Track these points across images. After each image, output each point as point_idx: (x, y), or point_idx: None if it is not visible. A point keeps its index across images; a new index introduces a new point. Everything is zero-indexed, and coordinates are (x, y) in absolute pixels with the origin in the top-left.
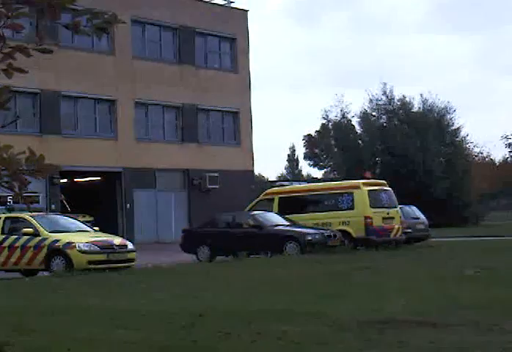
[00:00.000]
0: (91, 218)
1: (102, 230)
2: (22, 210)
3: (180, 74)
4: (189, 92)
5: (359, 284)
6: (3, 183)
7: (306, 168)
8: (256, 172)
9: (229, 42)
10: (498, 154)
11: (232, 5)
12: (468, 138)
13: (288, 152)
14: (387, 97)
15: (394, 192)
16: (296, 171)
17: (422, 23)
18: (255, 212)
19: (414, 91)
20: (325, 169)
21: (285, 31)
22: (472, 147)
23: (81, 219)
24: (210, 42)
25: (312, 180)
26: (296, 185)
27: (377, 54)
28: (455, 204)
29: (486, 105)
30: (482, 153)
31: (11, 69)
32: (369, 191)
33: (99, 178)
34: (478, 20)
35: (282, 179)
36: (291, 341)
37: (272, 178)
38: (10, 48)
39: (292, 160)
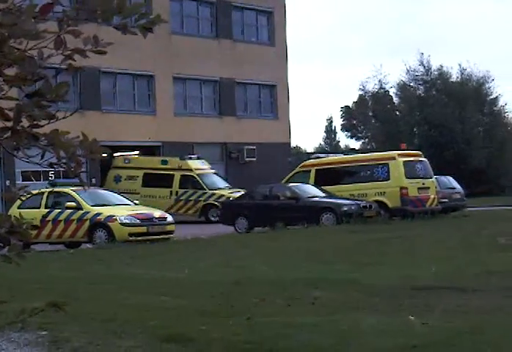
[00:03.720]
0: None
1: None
2: (64, 185)
3: (217, 48)
4: (227, 66)
5: (393, 253)
6: (62, 165)
7: (343, 139)
8: (294, 144)
9: (266, 16)
10: None
11: None
12: (507, 107)
13: (326, 124)
14: (424, 67)
15: (431, 162)
16: (334, 143)
17: None
18: (292, 184)
19: (453, 60)
20: (362, 140)
21: (324, 2)
22: (511, 115)
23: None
24: (247, 15)
25: (349, 151)
26: (332, 157)
27: (418, 24)
28: (494, 174)
29: None
30: None
31: (71, 68)
32: (404, 161)
33: (138, 152)
34: None
35: (319, 150)
36: (324, 306)
37: (310, 150)
38: (70, 50)
39: (330, 131)
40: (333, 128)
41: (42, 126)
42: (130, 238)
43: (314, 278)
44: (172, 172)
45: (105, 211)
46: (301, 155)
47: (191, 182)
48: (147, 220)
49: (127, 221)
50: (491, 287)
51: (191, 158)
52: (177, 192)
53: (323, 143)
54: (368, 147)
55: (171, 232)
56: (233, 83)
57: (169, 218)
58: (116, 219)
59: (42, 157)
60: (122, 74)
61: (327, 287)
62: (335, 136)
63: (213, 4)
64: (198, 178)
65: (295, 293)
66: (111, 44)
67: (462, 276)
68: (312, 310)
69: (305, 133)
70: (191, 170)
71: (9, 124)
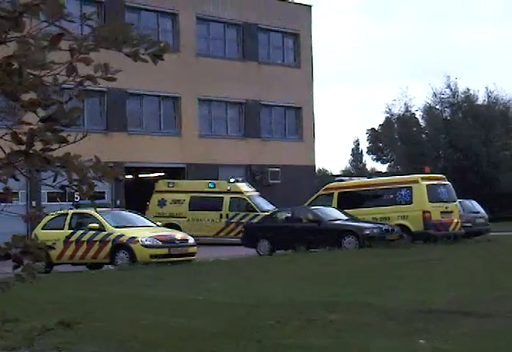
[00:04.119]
0: None
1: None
2: (88, 206)
3: (243, 70)
4: (252, 88)
5: (412, 277)
6: (73, 187)
7: (370, 162)
8: (320, 166)
9: (292, 38)
10: None
11: (296, 0)
12: None
13: (352, 146)
14: (451, 90)
15: (457, 186)
16: (360, 166)
17: (500, 12)
18: (314, 207)
19: (481, 83)
20: (388, 163)
21: (354, 24)
22: None
23: None
24: (274, 37)
25: (374, 174)
26: (355, 180)
27: (447, 46)
28: None
29: None
30: None
31: (82, 95)
32: (427, 185)
33: (163, 174)
34: None
35: (346, 173)
36: (338, 328)
37: (336, 172)
38: (81, 77)
39: (356, 154)
40: (360, 151)
41: (54, 149)
42: (152, 260)
43: (331, 301)
44: (221, 195)
45: (128, 232)
46: (326, 177)
47: (241, 204)
48: (169, 242)
49: (149, 243)
50: (507, 313)
51: (237, 181)
52: (227, 215)
53: (349, 166)
54: (394, 170)
55: (192, 254)
56: (258, 105)
57: (191, 240)
58: (138, 241)
59: (55, 179)
60: (149, 95)
61: (343, 309)
62: (362, 158)
63: (240, 26)
64: (249, 200)
65: (311, 316)
66: (119, 71)
67: (479, 301)
68: (326, 333)
69: (332, 156)
70: (241, 193)
71: (23, 147)
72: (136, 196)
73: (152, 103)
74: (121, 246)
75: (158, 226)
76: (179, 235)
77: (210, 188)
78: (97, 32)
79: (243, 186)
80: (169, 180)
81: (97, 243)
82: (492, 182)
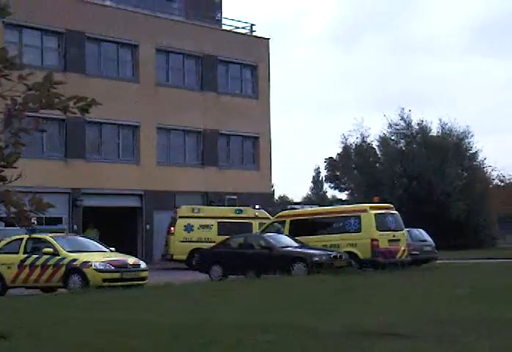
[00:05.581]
0: None
1: (120, 250)
2: (43, 232)
3: (202, 100)
4: (211, 118)
5: (352, 301)
6: (11, 217)
7: (330, 190)
8: (282, 194)
9: (250, 69)
10: None
11: (255, 34)
12: (486, 161)
13: (313, 174)
14: (405, 121)
15: (412, 214)
16: (321, 193)
17: (454, 47)
18: (266, 234)
19: (436, 114)
20: (346, 192)
21: (317, 58)
22: (490, 170)
23: None
24: (232, 69)
25: (335, 201)
26: (306, 209)
27: (400, 79)
28: (472, 227)
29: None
30: (504, 176)
31: (18, 144)
32: (376, 214)
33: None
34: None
35: (306, 200)
36: (266, 348)
37: (298, 199)
38: (16, 129)
39: (317, 181)
40: (320, 179)
41: None
42: (105, 284)
43: (268, 323)
44: (249, 221)
45: (81, 257)
46: (285, 204)
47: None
48: (122, 266)
49: (101, 267)
50: (428, 334)
51: (259, 208)
52: None
53: (310, 193)
54: (353, 198)
55: (144, 278)
56: (216, 134)
57: (143, 265)
58: (91, 265)
59: None
60: (108, 124)
61: (276, 331)
62: (322, 186)
63: (199, 58)
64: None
65: (244, 336)
66: (44, 131)
67: (407, 324)
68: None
69: (294, 183)
70: (268, 218)
71: None
72: (93, 221)
73: (111, 131)
74: (74, 270)
75: (111, 251)
76: (131, 260)
77: (237, 213)
78: (25, 96)
79: (267, 213)
80: (193, 206)
81: (51, 267)
82: (445, 211)
